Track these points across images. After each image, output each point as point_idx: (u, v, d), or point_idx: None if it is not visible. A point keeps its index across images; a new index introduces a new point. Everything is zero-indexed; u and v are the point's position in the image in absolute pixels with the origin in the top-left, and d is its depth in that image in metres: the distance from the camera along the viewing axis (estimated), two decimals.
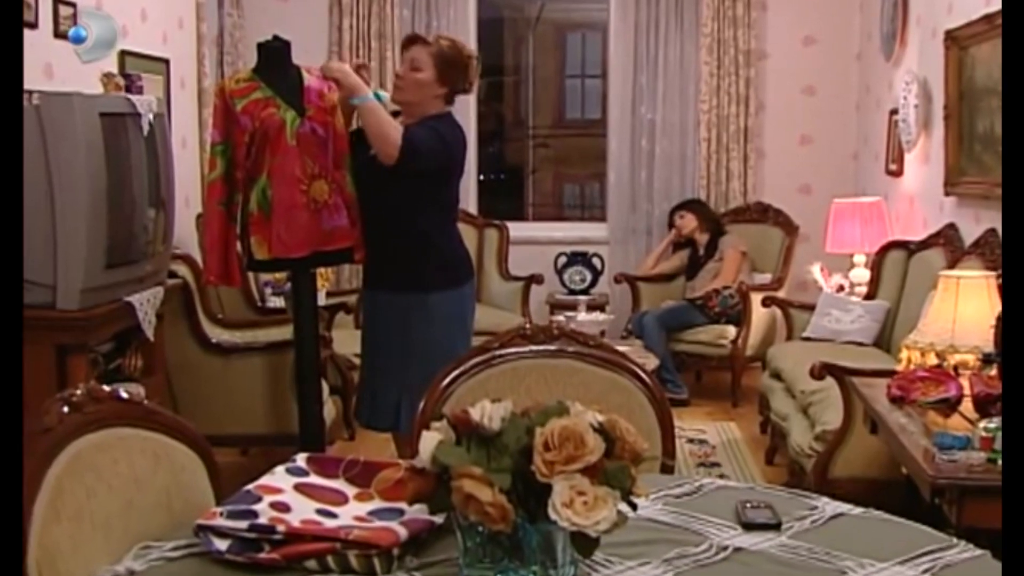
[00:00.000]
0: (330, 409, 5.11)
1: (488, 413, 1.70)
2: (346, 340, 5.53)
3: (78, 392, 1.88)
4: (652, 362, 5.66)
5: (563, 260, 7.48)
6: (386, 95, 4.03)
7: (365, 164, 4.09)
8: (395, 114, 4.18)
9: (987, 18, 4.81)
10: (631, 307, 7.09)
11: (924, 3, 6.00)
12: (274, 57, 4.25)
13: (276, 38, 4.30)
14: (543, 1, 10.48)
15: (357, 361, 4.69)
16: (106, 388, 1.95)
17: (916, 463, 2.78)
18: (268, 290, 6.14)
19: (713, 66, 7.40)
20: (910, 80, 6.00)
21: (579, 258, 7.48)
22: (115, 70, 5.23)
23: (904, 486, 3.57)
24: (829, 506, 2.10)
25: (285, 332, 4.77)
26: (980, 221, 4.99)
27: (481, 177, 8.52)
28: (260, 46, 4.29)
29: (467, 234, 4.85)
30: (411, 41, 4.12)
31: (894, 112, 6.43)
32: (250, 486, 1.96)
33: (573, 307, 6.56)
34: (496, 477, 1.64)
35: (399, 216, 4.04)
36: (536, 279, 7.13)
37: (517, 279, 7.16)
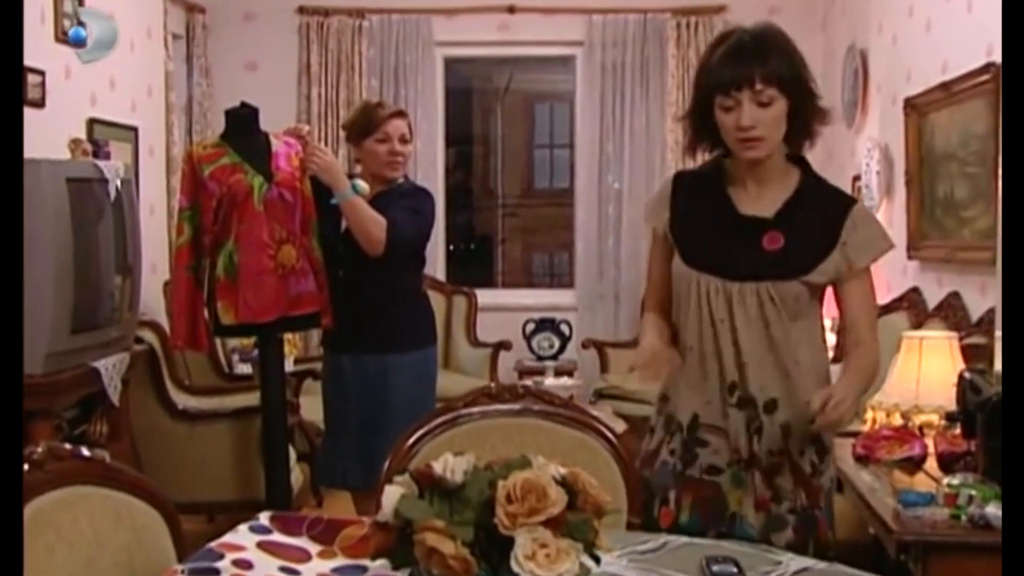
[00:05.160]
0: (297, 476, 5.07)
1: (451, 466, 1.70)
2: (314, 406, 5.47)
3: (39, 450, 1.87)
4: (620, 425, 5.65)
5: (531, 326, 7.47)
6: (363, 185, 4.04)
7: (338, 225, 4.10)
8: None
9: (944, 86, 4.90)
10: (599, 372, 7.10)
11: (884, 71, 6.11)
12: (242, 124, 4.28)
13: (244, 105, 4.33)
14: (511, 72, 10.60)
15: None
16: (67, 446, 1.94)
17: (881, 521, 2.80)
18: (236, 357, 6.12)
19: (679, 134, 7.43)
20: (872, 146, 6.10)
21: (547, 324, 7.48)
22: (83, 135, 5.25)
23: (872, 547, 3.57)
24: (794, 562, 2.10)
25: (252, 398, 4.74)
26: (943, 284, 5.05)
27: (451, 247, 8.54)
28: (228, 113, 4.32)
29: (435, 301, 4.82)
30: (393, 115, 4.15)
31: (857, 178, 6.51)
32: (212, 544, 1.95)
33: (541, 372, 6.54)
34: (459, 530, 1.64)
35: (379, 276, 4.04)
36: (504, 345, 7.12)
37: (485, 345, 7.15)
